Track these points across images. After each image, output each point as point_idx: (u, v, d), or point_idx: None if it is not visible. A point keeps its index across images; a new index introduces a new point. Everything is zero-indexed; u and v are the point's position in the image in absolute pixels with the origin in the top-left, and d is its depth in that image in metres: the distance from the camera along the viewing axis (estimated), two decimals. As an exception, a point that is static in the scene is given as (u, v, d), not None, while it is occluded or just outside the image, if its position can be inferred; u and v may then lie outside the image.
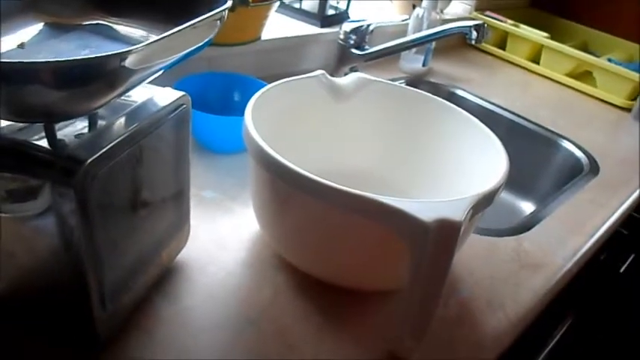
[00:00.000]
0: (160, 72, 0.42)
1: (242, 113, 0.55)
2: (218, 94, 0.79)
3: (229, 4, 0.44)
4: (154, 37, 0.36)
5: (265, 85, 0.63)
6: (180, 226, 0.54)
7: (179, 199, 0.52)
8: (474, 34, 0.90)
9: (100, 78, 0.33)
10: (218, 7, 0.43)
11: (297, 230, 0.53)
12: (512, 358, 0.58)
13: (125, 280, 0.46)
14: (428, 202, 0.44)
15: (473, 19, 1.09)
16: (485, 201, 0.48)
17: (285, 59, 1.01)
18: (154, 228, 0.49)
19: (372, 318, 0.54)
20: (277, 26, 1.00)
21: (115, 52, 0.33)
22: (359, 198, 0.44)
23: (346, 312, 0.54)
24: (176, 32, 0.38)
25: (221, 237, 0.61)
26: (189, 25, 0.39)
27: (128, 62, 0.34)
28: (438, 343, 0.53)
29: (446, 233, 0.43)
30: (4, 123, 0.39)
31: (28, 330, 0.46)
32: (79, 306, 0.42)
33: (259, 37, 0.93)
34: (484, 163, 0.58)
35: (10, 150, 0.38)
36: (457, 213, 0.43)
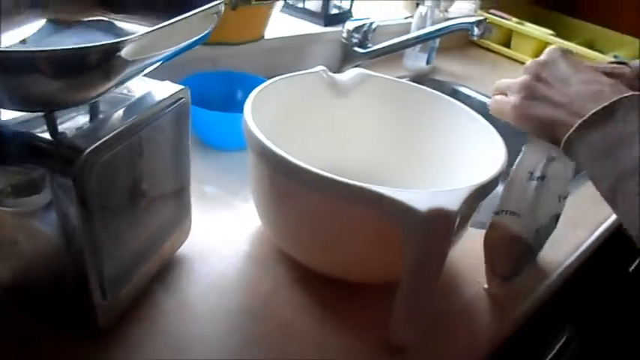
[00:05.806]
0: (158, 64, 0.43)
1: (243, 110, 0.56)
2: (222, 93, 0.80)
3: (226, -2, 0.45)
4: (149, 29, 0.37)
5: (267, 82, 0.63)
6: (181, 219, 0.54)
7: (180, 193, 0.53)
8: (476, 30, 0.91)
9: (95, 68, 0.34)
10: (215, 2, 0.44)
11: (297, 223, 0.53)
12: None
13: (126, 270, 0.47)
14: (423, 192, 0.44)
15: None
16: (483, 192, 0.48)
17: (289, 58, 1.01)
18: (155, 220, 0.49)
19: (371, 309, 0.54)
20: (281, 25, 1.00)
21: (110, 42, 0.33)
22: (355, 188, 0.44)
23: (346, 304, 0.55)
24: (171, 24, 0.39)
25: (222, 231, 0.61)
26: (184, 18, 0.40)
27: (124, 53, 0.35)
28: (435, 334, 0.53)
29: (441, 223, 0.43)
30: (7, 115, 0.40)
31: (36, 315, 0.47)
32: (79, 293, 0.42)
33: (262, 36, 0.94)
34: (484, 155, 0.58)
35: (11, 140, 0.38)
36: (453, 203, 0.43)
